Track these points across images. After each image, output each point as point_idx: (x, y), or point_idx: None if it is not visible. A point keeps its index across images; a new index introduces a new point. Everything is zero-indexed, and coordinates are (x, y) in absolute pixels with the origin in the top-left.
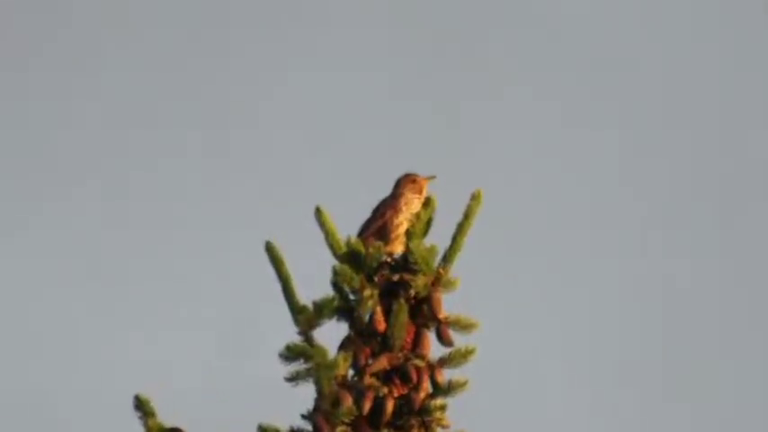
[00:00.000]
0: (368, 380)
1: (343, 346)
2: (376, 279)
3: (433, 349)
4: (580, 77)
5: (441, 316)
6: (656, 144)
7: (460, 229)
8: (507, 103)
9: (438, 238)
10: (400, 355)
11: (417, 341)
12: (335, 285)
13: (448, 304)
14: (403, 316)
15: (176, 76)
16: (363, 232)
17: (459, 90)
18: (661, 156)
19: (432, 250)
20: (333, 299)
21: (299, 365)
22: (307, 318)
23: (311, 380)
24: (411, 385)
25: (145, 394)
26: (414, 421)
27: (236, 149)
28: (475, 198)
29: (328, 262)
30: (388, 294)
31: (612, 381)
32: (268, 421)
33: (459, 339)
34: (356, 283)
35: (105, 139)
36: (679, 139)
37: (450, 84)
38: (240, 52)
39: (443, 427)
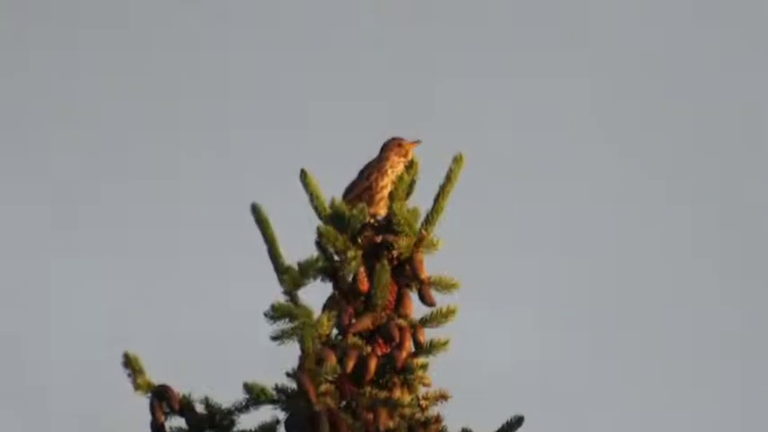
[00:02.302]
0: (351, 339)
1: (328, 305)
2: (360, 240)
3: (415, 309)
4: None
5: (423, 276)
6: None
7: (443, 191)
8: (497, 64)
9: (421, 201)
10: (383, 314)
11: (400, 301)
12: (320, 246)
13: (430, 265)
14: (386, 276)
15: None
16: (349, 194)
17: (445, 51)
18: (670, 132)
19: (414, 212)
20: (317, 259)
21: (285, 325)
22: (292, 278)
23: (296, 339)
24: (393, 344)
25: (133, 351)
26: (396, 379)
27: (215, 115)
28: (457, 161)
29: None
30: (372, 255)
31: (597, 330)
32: (254, 379)
33: (441, 300)
34: (340, 244)
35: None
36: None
37: (435, 44)
38: (220, 10)
39: (425, 385)
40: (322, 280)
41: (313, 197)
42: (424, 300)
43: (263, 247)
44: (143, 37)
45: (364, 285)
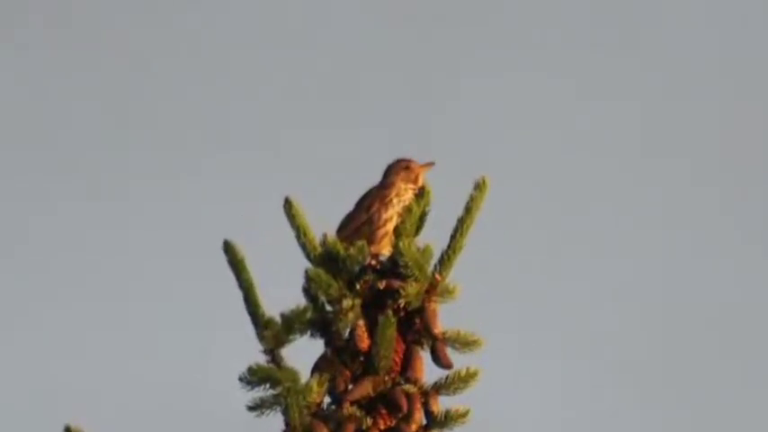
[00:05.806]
0: (348, 409)
1: (318, 367)
2: (358, 286)
3: (428, 372)
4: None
5: (436, 331)
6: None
7: (461, 225)
8: (516, 77)
9: (434, 237)
10: (387, 378)
11: (408, 362)
12: (309, 293)
13: (445, 317)
14: (390, 331)
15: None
16: (344, 229)
17: (460, 61)
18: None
19: (426, 252)
20: (305, 310)
21: (265, 392)
22: (274, 333)
23: (279, 409)
24: (400, 416)
25: (76, 425)
26: None
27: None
28: (479, 187)
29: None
30: (373, 305)
31: (636, 406)
32: None
33: (459, 360)
34: (334, 291)
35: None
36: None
37: (449, 53)
38: (202, 21)
39: None
40: (311, 335)
41: (300, 232)
42: (439, 360)
43: (239, 295)
44: (142, 36)
45: (364, 342)
